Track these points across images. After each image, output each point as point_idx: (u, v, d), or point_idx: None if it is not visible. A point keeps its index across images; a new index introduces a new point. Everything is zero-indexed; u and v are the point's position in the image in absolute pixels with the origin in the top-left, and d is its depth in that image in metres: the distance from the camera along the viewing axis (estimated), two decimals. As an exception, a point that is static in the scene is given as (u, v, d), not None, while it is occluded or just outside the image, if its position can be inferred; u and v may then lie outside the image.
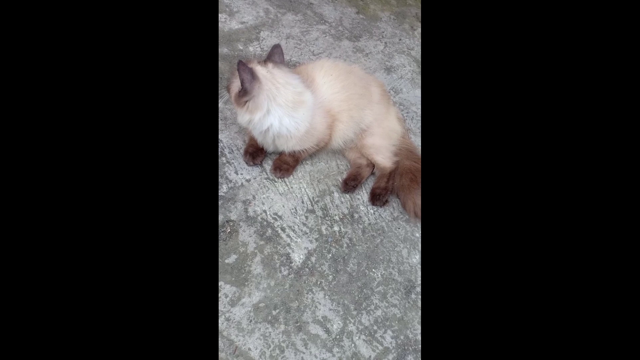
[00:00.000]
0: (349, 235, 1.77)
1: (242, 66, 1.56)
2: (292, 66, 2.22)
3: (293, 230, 1.73)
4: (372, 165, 1.94)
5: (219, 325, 1.45)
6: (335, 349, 1.48)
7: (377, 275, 1.68)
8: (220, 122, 1.99)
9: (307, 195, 1.85)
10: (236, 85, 1.64)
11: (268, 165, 1.89)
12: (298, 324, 1.51)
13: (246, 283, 1.56)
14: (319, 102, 1.75)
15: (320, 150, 1.92)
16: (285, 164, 1.85)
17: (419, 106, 2.31)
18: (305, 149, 1.82)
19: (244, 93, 1.61)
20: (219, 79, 2.15)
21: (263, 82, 1.61)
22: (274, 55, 1.71)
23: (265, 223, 1.72)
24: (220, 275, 1.56)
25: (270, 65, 1.66)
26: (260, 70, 1.63)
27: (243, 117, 1.68)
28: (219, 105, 1.80)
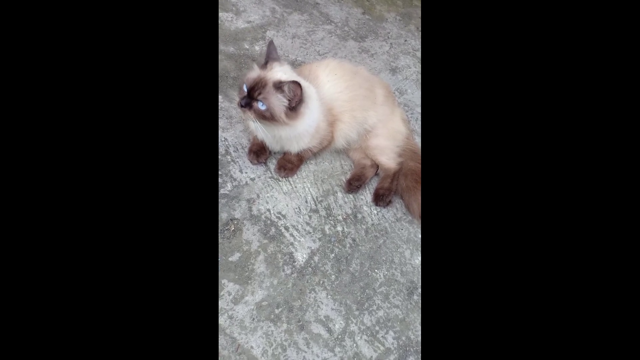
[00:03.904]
0: (352, 236, 1.77)
1: (294, 84, 1.53)
2: (298, 65, 2.23)
3: (296, 230, 1.74)
4: (376, 165, 1.95)
5: (222, 323, 1.46)
6: (337, 349, 1.48)
7: (380, 275, 1.68)
8: (225, 120, 2.00)
9: (311, 194, 1.86)
10: (277, 104, 1.58)
11: (272, 164, 1.90)
12: (300, 323, 1.51)
13: (249, 281, 1.57)
14: (321, 100, 1.76)
15: (324, 149, 1.92)
16: (290, 163, 1.86)
17: (424, 107, 2.31)
18: (310, 148, 1.83)
19: (299, 101, 1.58)
20: (225, 78, 2.16)
21: (303, 85, 1.58)
22: (272, 53, 1.69)
23: (269, 222, 1.73)
24: (223, 273, 1.56)
25: (275, 64, 1.66)
26: (281, 74, 1.61)
27: (300, 125, 1.64)
28: (248, 122, 1.72)
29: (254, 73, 1.64)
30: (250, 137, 1.93)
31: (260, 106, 1.57)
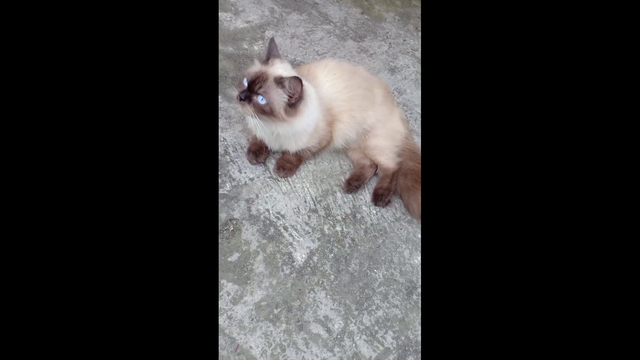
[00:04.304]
0: (351, 235, 1.77)
1: (296, 79, 1.53)
2: (296, 65, 2.22)
3: (295, 230, 1.74)
4: (375, 165, 1.95)
5: (221, 323, 1.46)
6: (336, 349, 1.48)
7: (379, 275, 1.68)
8: (224, 120, 2.00)
9: (310, 194, 1.86)
10: (277, 99, 1.57)
11: (271, 164, 1.90)
12: (299, 323, 1.51)
13: (248, 281, 1.57)
14: (320, 100, 1.76)
15: (323, 149, 1.92)
16: (289, 163, 1.86)
17: (423, 107, 2.31)
18: (309, 148, 1.83)
19: (299, 98, 1.57)
20: (224, 78, 2.16)
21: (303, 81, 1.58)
22: (273, 50, 1.69)
23: (268, 222, 1.73)
24: (222, 274, 1.56)
25: (277, 60, 1.66)
26: (282, 71, 1.61)
27: (298, 123, 1.64)
28: (247, 119, 1.71)
29: (255, 67, 1.63)
30: (249, 137, 1.92)
31: (260, 100, 1.56)
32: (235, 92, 1.64)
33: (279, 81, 1.56)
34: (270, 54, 1.67)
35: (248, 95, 1.57)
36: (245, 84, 1.59)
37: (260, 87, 1.56)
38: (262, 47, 2.38)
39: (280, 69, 1.63)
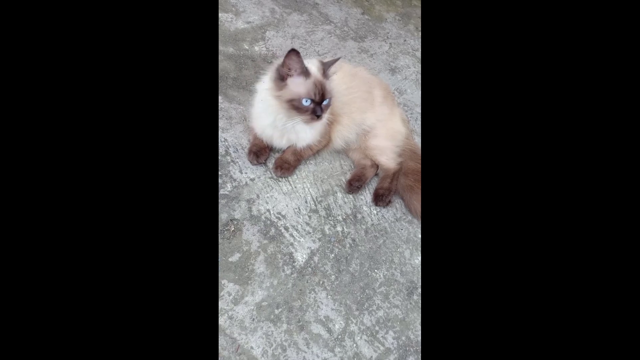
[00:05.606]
0: (352, 236, 1.77)
1: (324, 63, 1.65)
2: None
3: (296, 230, 1.74)
4: (376, 165, 1.95)
5: (222, 323, 1.46)
6: (337, 349, 1.48)
7: (380, 275, 1.69)
8: (225, 121, 2.00)
9: (311, 195, 1.86)
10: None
11: (272, 164, 1.90)
12: (300, 323, 1.51)
13: (249, 282, 1.57)
14: None
15: (322, 149, 1.93)
16: (287, 163, 1.86)
17: (423, 107, 2.31)
18: (310, 146, 1.83)
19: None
20: (225, 78, 2.16)
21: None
22: (302, 62, 1.67)
23: (268, 222, 1.73)
24: (223, 274, 1.57)
25: (309, 63, 1.71)
26: (317, 66, 1.70)
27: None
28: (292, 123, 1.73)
29: (308, 84, 1.62)
30: (250, 137, 1.93)
31: (328, 103, 1.69)
32: (292, 115, 1.68)
33: (326, 76, 1.67)
34: (303, 67, 1.62)
35: (320, 108, 1.64)
36: (307, 103, 1.62)
37: (324, 95, 1.65)
38: (263, 48, 2.38)
39: (316, 67, 1.67)
